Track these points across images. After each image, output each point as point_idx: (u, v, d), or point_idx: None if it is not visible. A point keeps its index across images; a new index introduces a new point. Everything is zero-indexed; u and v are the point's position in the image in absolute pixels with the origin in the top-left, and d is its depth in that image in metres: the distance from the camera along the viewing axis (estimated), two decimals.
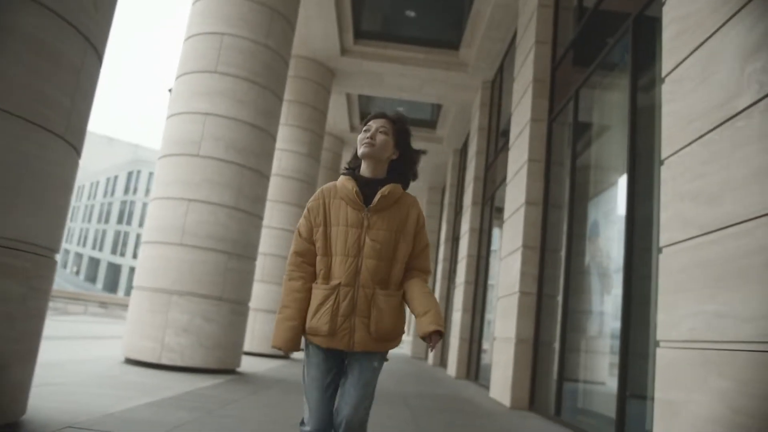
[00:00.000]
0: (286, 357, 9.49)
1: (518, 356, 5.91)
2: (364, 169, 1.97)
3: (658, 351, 2.83)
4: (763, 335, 2.10)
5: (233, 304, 6.06)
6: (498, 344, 6.62)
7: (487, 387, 7.29)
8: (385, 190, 1.90)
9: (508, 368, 6.03)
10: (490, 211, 10.03)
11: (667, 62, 3.16)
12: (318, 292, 1.86)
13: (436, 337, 1.83)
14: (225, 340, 5.94)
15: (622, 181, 4.39)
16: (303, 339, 1.91)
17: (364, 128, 2.00)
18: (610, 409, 4.03)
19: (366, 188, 1.91)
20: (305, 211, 1.95)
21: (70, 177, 2.67)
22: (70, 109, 2.49)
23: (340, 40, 10.22)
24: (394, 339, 1.91)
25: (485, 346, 9.27)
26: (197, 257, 5.84)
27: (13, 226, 2.25)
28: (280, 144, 9.51)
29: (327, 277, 1.87)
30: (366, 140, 1.94)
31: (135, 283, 6.00)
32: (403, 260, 1.91)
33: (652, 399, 2.88)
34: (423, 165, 2.15)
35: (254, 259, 6.51)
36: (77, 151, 2.68)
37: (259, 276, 9.16)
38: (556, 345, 5.37)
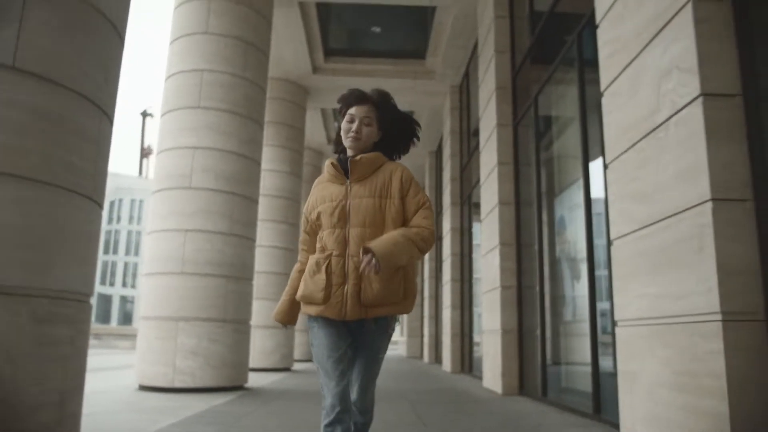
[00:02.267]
0: (287, 369, 9.86)
1: (505, 346, 6.38)
2: (350, 153, 2.05)
3: (617, 330, 3.30)
4: (690, 309, 2.57)
5: (236, 324, 6.44)
6: (486, 336, 7.09)
7: (480, 378, 7.75)
8: (358, 157, 1.96)
9: (497, 358, 6.49)
10: (469, 209, 10.50)
11: (603, 78, 3.63)
12: (311, 261, 1.96)
13: (366, 256, 1.78)
14: (231, 359, 6.32)
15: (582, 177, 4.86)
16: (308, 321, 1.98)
17: (346, 118, 2.02)
18: (589, 386, 4.50)
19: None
20: None
21: (97, 229, 3.05)
22: (94, 172, 2.89)
23: (311, 59, 10.63)
24: (392, 303, 1.90)
25: (477, 339, 9.72)
26: (198, 284, 6.21)
27: (60, 279, 2.64)
28: (262, 165, 9.83)
29: (322, 249, 1.96)
30: (351, 134, 1.99)
31: (142, 314, 6.34)
32: (393, 226, 1.92)
33: None
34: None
35: (251, 279, 6.90)
36: (100, 205, 3.07)
37: (254, 294, 9.48)
38: (539, 332, 5.84)
